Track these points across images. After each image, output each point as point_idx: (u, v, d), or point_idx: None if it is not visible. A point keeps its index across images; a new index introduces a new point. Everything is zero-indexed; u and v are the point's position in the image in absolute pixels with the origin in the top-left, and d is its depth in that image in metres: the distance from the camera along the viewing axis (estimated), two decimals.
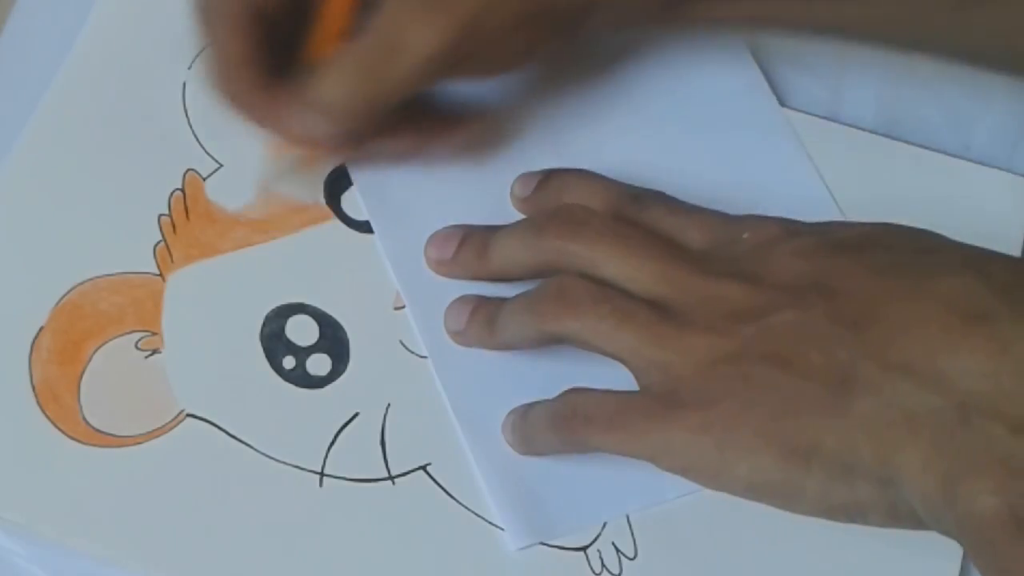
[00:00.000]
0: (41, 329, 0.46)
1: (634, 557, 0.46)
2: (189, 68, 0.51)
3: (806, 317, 0.41)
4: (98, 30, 0.51)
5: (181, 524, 0.44)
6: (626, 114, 0.53)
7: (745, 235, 0.45)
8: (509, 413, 0.47)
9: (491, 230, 0.48)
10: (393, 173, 0.50)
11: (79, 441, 0.45)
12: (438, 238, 0.49)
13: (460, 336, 0.48)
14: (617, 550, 0.46)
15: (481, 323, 0.47)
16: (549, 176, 0.49)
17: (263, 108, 0.45)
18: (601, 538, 0.46)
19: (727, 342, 0.42)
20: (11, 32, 0.52)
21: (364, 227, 0.50)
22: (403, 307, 0.48)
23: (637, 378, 0.43)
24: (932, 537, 0.44)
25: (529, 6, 0.44)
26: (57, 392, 0.45)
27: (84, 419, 0.45)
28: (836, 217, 0.51)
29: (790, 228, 0.45)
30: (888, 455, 0.39)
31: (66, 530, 0.44)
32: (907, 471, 0.38)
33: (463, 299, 0.48)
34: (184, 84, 0.51)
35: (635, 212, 0.47)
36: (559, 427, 0.44)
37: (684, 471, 0.42)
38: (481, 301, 0.48)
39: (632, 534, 0.46)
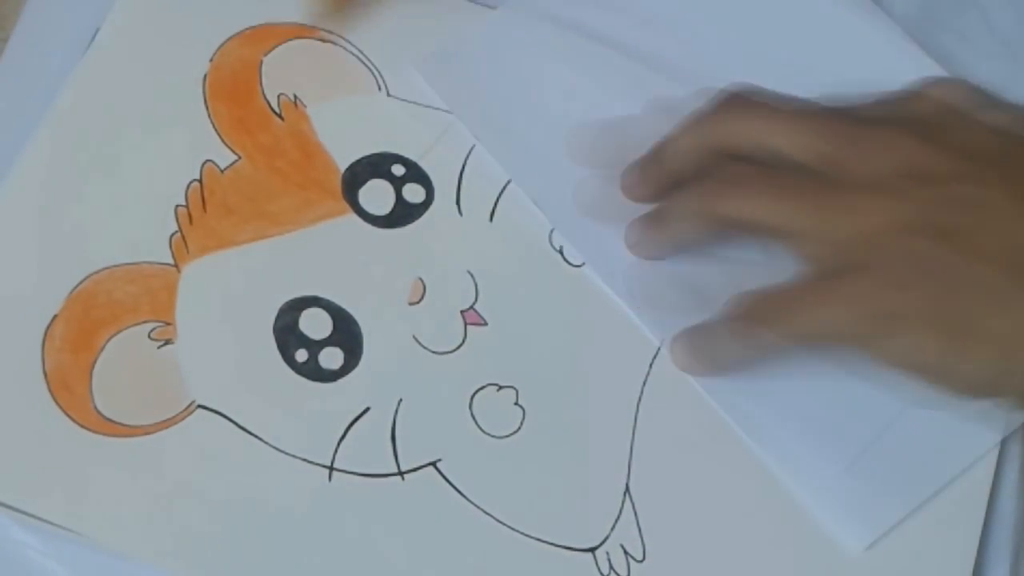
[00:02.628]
0: (55, 317, 0.45)
1: (643, 560, 0.45)
2: (211, 60, 0.50)
3: (987, 193, 0.39)
4: (121, 19, 0.50)
5: (189, 515, 0.43)
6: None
7: (931, 91, 0.43)
8: (678, 337, 0.46)
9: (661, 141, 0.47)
10: (517, 127, 0.50)
11: (90, 430, 0.44)
12: (627, 171, 0.48)
13: (636, 247, 0.47)
14: (626, 552, 0.45)
15: (651, 225, 0.47)
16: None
17: None
18: (610, 539, 0.45)
19: (897, 204, 0.40)
20: (30, 19, 0.51)
21: (381, 222, 0.48)
22: (418, 302, 0.47)
23: (800, 256, 0.42)
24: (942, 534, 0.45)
25: None
26: (69, 380, 0.44)
27: (95, 408, 0.44)
28: None
29: (982, 97, 0.43)
30: None
31: (74, 518, 0.43)
32: None
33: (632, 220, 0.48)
34: (205, 76, 0.50)
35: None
36: (735, 331, 0.44)
37: (841, 342, 0.41)
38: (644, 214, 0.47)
39: (641, 536, 0.45)
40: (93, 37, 0.50)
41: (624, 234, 0.48)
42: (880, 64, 0.52)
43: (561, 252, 0.49)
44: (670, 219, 0.46)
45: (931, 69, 0.52)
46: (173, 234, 0.47)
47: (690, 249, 0.47)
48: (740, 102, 0.45)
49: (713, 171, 0.45)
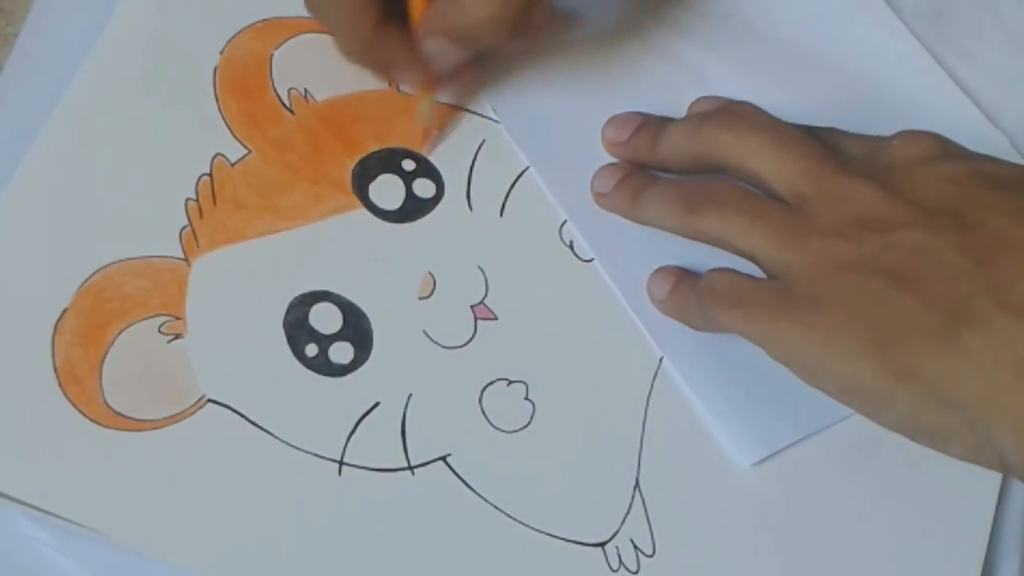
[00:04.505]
0: (65, 311, 0.44)
1: (652, 554, 0.44)
2: (221, 53, 0.49)
3: (934, 241, 0.40)
4: (130, 12, 0.49)
5: (199, 510, 0.43)
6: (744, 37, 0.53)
7: (895, 142, 0.44)
8: (664, 273, 0.47)
9: (666, 120, 0.48)
10: (539, 113, 0.50)
11: (99, 424, 0.43)
12: (616, 121, 0.49)
13: (603, 198, 0.48)
14: (635, 547, 0.44)
15: (626, 192, 0.48)
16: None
17: (387, 50, 0.45)
18: (619, 534, 0.44)
19: (849, 248, 0.41)
20: (39, 14, 0.50)
21: (391, 217, 0.48)
22: (428, 296, 0.46)
23: (767, 273, 0.44)
24: (953, 537, 0.45)
25: None
26: (79, 374, 0.44)
27: (105, 402, 0.43)
28: (981, 122, 0.52)
29: (944, 148, 0.44)
30: (990, 395, 0.38)
31: (83, 513, 0.42)
32: (1007, 414, 0.38)
33: (615, 165, 0.49)
34: (216, 68, 0.49)
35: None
36: (699, 301, 0.45)
37: (787, 363, 0.42)
38: (632, 171, 0.48)
39: (651, 531, 0.45)
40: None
41: (592, 177, 0.49)
42: (890, 67, 0.52)
43: (571, 247, 0.48)
44: (645, 203, 0.47)
45: (938, 72, 0.52)
46: (183, 228, 0.46)
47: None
48: (738, 118, 0.46)
49: (699, 181, 0.46)
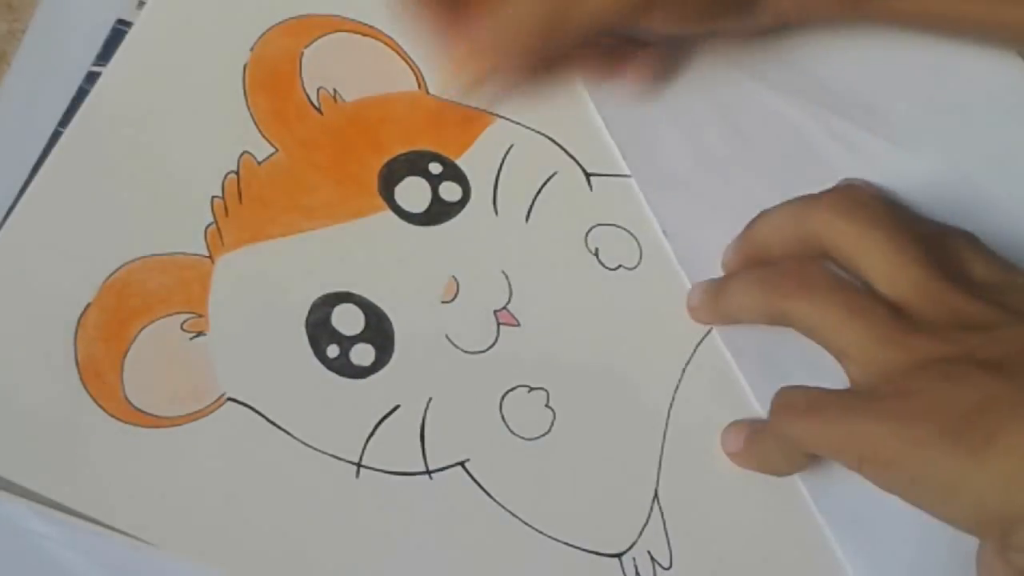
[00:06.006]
0: (88, 305, 0.44)
1: (669, 567, 0.44)
2: (251, 50, 0.49)
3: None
4: (160, 6, 0.49)
5: (215, 507, 0.43)
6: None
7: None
8: (734, 426, 0.45)
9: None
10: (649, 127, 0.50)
11: (119, 419, 0.43)
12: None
13: (692, 311, 0.47)
14: (652, 559, 0.44)
15: (706, 293, 0.46)
16: None
17: (450, 17, 0.44)
18: (637, 545, 0.44)
19: (949, 348, 0.39)
20: (47, 11, 0.50)
21: (416, 219, 0.47)
22: (451, 301, 0.46)
23: (853, 378, 0.41)
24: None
25: None
26: (101, 369, 0.44)
27: (126, 397, 0.43)
28: None
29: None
30: None
31: (99, 507, 0.42)
32: None
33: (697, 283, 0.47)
34: (245, 66, 0.48)
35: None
36: (773, 419, 0.42)
37: (860, 464, 0.39)
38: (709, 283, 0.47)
39: (668, 542, 0.44)
40: (111, 28, 0.49)
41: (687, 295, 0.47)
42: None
43: (596, 254, 0.47)
44: (730, 295, 0.45)
45: None
46: (208, 225, 0.46)
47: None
48: (856, 206, 0.43)
49: (786, 262, 0.44)
